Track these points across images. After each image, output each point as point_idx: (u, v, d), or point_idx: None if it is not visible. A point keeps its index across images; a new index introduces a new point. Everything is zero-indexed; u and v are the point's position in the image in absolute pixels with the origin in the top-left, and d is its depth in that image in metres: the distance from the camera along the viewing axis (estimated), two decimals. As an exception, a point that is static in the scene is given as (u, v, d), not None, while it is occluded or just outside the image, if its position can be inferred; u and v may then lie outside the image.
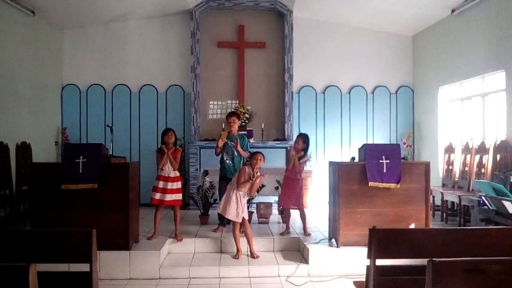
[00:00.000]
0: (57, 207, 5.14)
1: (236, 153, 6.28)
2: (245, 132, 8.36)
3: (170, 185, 5.73)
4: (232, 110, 8.82)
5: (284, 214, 6.95)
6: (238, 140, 6.26)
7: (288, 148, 6.23)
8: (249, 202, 6.63)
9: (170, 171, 5.74)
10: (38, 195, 5.22)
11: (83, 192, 5.10)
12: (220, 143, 6.27)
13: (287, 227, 6.20)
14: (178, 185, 5.82)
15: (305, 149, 6.17)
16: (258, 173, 5.48)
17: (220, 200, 6.46)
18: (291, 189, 6.14)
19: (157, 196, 5.69)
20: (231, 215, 5.41)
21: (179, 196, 5.83)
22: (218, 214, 6.57)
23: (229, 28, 9.39)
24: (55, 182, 5.13)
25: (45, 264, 2.87)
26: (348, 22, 9.45)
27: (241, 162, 6.30)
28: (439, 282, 2.12)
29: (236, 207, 5.40)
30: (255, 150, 6.28)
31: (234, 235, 5.53)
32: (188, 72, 9.17)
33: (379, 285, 2.91)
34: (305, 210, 6.28)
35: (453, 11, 7.92)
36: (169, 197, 5.71)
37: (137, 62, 9.37)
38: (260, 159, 5.46)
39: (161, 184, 5.71)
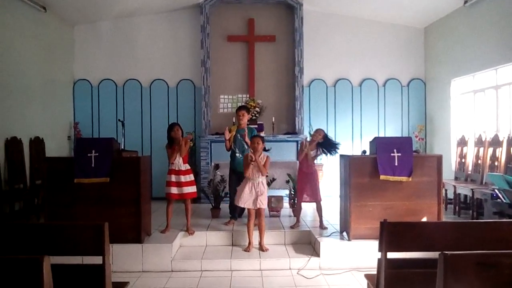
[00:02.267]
0: (70, 201, 5.20)
1: (246, 146, 6.26)
2: (256, 126, 8.38)
3: (183, 178, 5.75)
4: (242, 104, 8.84)
5: (295, 208, 6.96)
6: (247, 132, 6.26)
7: (304, 140, 6.19)
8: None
9: (180, 164, 5.76)
10: (51, 189, 5.28)
11: (96, 186, 5.15)
12: (227, 134, 6.26)
13: (298, 220, 6.21)
14: (191, 177, 5.84)
15: (322, 144, 6.13)
16: (262, 155, 5.50)
17: (230, 193, 6.51)
18: (305, 182, 6.12)
19: (174, 190, 5.72)
20: (246, 203, 5.43)
21: (194, 188, 5.87)
22: (230, 207, 6.63)
23: (238, 22, 9.37)
24: (67, 176, 5.18)
25: (60, 257, 2.92)
26: (358, 14, 9.37)
27: None
28: (450, 275, 2.11)
29: (251, 194, 5.41)
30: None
31: (248, 227, 5.55)
32: (199, 66, 9.18)
33: (390, 278, 2.90)
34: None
35: (465, 2, 7.81)
36: (185, 190, 5.74)
37: (148, 57, 9.40)
38: (258, 142, 5.47)
39: (173, 178, 5.73)
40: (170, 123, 6.06)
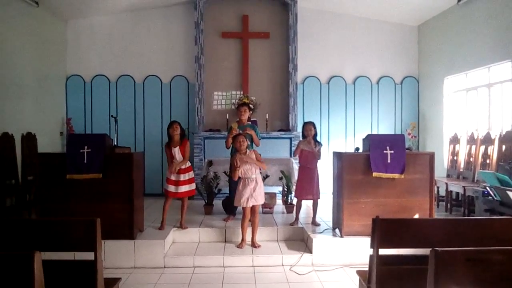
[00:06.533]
0: (62, 197, 5.17)
1: (248, 142, 6.23)
2: (249, 123, 8.34)
3: (182, 177, 5.80)
4: (240, 100, 8.82)
5: (289, 204, 6.97)
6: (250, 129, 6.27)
7: (301, 142, 6.17)
8: None
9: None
10: (43, 185, 5.25)
11: (88, 182, 5.13)
12: (231, 140, 6.19)
13: (297, 218, 6.17)
14: (190, 175, 5.89)
15: (315, 136, 6.14)
16: (248, 152, 5.51)
17: (230, 190, 6.51)
18: (307, 179, 6.08)
19: (171, 188, 5.77)
20: (244, 202, 5.42)
21: (192, 186, 5.93)
22: (223, 204, 6.63)
23: (233, 18, 9.34)
24: (60, 172, 5.15)
25: (51, 252, 2.90)
26: (353, 12, 9.38)
27: None
28: (441, 271, 2.12)
29: (247, 193, 5.41)
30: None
31: (242, 225, 5.56)
32: (192, 62, 9.14)
33: (382, 274, 2.92)
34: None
35: (459, 0, 7.84)
36: (183, 189, 5.80)
37: (141, 52, 9.35)
38: (243, 141, 5.48)
39: (173, 177, 5.78)
40: (170, 121, 6.06)
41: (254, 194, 5.42)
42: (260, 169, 5.61)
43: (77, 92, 9.28)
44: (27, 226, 2.91)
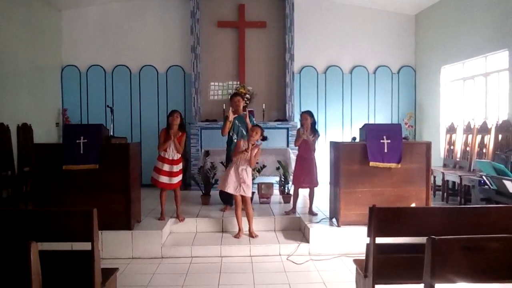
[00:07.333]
0: (59, 188, 5.17)
1: (244, 132, 6.24)
2: (252, 110, 8.37)
3: (175, 168, 5.76)
4: (234, 91, 8.79)
5: (286, 194, 6.98)
6: (248, 115, 6.29)
7: (300, 130, 6.17)
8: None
9: (174, 154, 5.74)
10: (40, 176, 5.23)
11: (84, 173, 5.12)
12: (231, 116, 6.19)
13: (294, 207, 6.21)
14: (180, 166, 5.85)
15: (313, 125, 6.14)
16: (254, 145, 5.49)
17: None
18: (303, 168, 6.09)
19: (164, 179, 5.69)
20: (230, 188, 5.41)
21: (181, 177, 5.90)
22: (220, 195, 6.64)
23: (229, 8, 9.27)
24: (56, 163, 5.14)
25: (49, 243, 2.90)
26: (350, 1, 9.32)
27: None
28: (438, 259, 2.13)
29: (235, 180, 5.40)
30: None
31: (236, 214, 5.56)
32: (188, 52, 9.09)
33: (379, 263, 2.93)
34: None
35: (456, -11, 7.81)
36: (175, 180, 5.76)
37: (137, 42, 9.29)
38: (257, 132, 5.46)
39: (166, 167, 5.70)
40: (171, 110, 6.01)
41: (243, 185, 5.40)
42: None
43: (73, 82, 9.22)
44: (24, 216, 2.90)
